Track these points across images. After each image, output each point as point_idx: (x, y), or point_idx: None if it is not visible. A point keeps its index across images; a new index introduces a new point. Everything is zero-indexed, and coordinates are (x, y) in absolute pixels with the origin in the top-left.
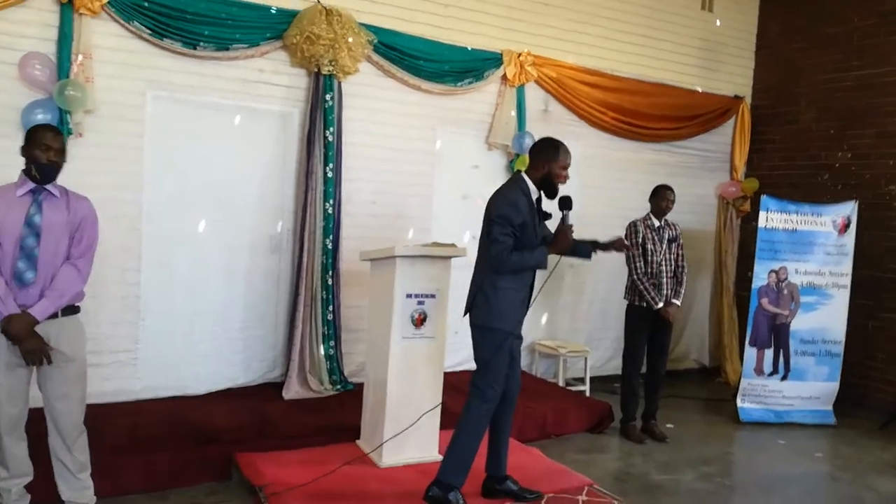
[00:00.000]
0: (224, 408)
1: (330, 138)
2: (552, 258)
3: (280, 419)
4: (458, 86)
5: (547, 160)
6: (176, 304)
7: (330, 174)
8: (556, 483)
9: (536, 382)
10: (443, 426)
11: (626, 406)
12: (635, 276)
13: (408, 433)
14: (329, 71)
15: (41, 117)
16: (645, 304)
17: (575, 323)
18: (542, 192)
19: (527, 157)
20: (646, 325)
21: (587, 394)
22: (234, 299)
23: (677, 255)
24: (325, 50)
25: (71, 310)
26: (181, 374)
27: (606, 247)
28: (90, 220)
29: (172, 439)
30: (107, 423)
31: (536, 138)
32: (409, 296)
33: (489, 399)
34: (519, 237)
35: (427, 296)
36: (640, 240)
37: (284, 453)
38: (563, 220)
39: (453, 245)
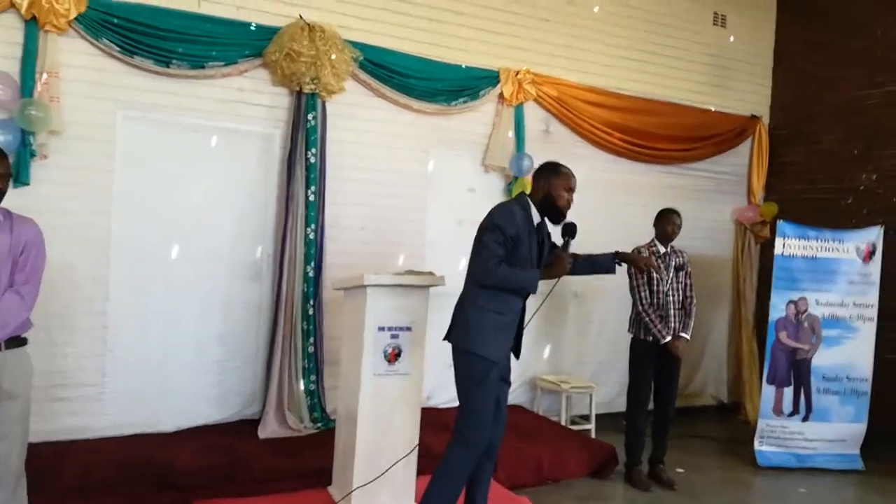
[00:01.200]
0: (191, 447)
1: (312, 160)
2: (548, 283)
3: (250, 461)
4: (451, 105)
5: (547, 181)
6: (147, 334)
7: (312, 198)
8: None
9: (536, 420)
10: (423, 471)
11: (631, 449)
12: (640, 308)
13: (381, 480)
14: (311, 90)
15: (2, 139)
16: (651, 338)
17: (581, 356)
18: (545, 220)
19: (526, 180)
20: (652, 361)
21: (592, 433)
22: (209, 330)
23: (685, 284)
24: (307, 67)
25: (16, 342)
26: (152, 410)
27: (627, 258)
28: (35, 243)
29: (127, 482)
30: (59, 463)
31: (536, 160)
32: (381, 329)
33: (471, 445)
34: (510, 252)
35: (402, 328)
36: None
37: (247, 500)
38: (564, 245)
39: (430, 273)
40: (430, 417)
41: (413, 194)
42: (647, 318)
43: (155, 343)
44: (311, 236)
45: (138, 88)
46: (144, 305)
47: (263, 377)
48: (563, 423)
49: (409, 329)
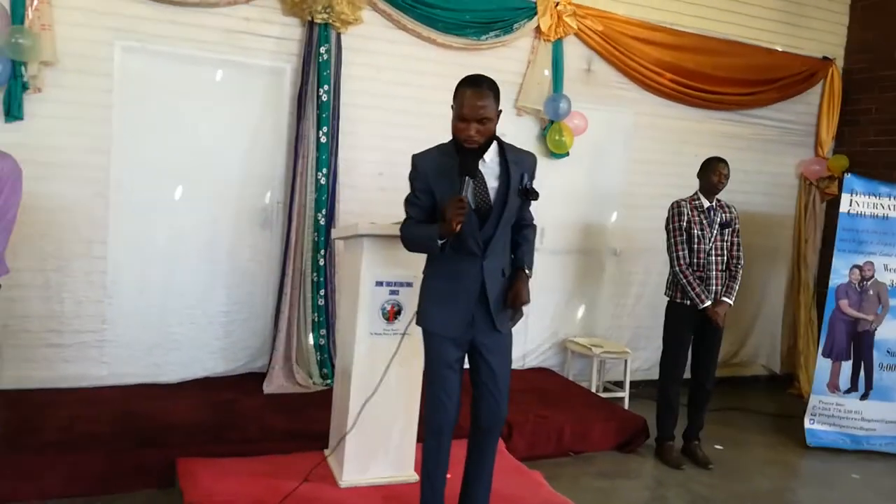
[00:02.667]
0: (189, 401)
1: (325, 98)
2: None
3: (247, 418)
4: (481, 39)
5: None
6: (149, 281)
7: (323, 139)
8: None
9: (563, 386)
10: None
11: (663, 422)
12: (677, 268)
13: (377, 447)
14: (324, 19)
15: None
16: (689, 303)
17: (618, 319)
18: (506, 165)
19: (563, 124)
20: (689, 328)
21: (625, 403)
22: (215, 279)
23: (731, 243)
24: None
25: None
26: (154, 361)
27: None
28: (8, 180)
29: (111, 438)
30: (46, 413)
31: (575, 102)
32: (379, 283)
33: (429, 422)
34: (433, 209)
35: (402, 284)
36: (685, 224)
37: (235, 461)
38: (461, 187)
39: None
40: None
41: (437, 139)
42: (684, 280)
43: (156, 290)
44: (322, 181)
45: (138, 17)
46: (145, 250)
47: (272, 329)
48: (593, 389)
49: (410, 285)
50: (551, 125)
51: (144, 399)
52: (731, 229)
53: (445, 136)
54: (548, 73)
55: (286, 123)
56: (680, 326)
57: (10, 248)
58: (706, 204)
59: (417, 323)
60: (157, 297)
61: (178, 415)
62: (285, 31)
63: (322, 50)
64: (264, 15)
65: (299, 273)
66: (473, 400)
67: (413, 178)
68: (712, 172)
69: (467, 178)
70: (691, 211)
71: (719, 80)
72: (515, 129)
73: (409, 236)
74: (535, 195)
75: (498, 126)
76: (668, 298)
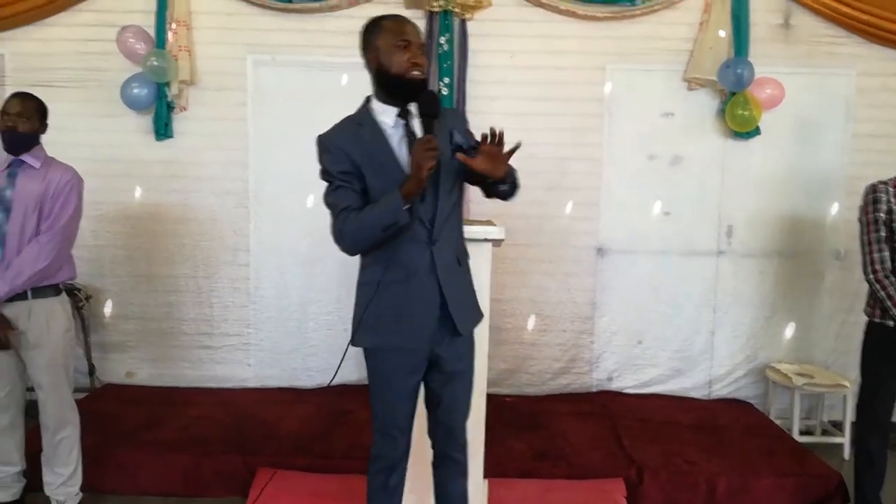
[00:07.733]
0: (309, 408)
1: (445, 91)
2: None
3: (346, 432)
4: (636, 4)
5: (371, 48)
6: (288, 288)
7: None
8: None
9: (750, 425)
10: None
11: (861, 481)
12: (871, 276)
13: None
14: (442, 7)
15: (137, 91)
16: (892, 323)
17: (845, 341)
18: (412, 108)
19: (749, 95)
20: (894, 357)
21: (845, 451)
22: (351, 284)
23: None
24: None
25: (43, 291)
26: (293, 365)
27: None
28: (63, 192)
29: (216, 441)
30: (177, 412)
31: (761, 67)
32: None
33: (374, 457)
34: (364, 191)
35: None
36: (884, 215)
37: (309, 476)
38: (426, 129)
39: (489, 222)
40: (602, 403)
41: (584, 125)
42: (882, 293)
43: (295, 296)
44: None
45: (266, 29)
46: (284, 258)
47: None
48: (795, 431)
49: None
50: (731, 97)
51: (272, 404)
52: None
53: (593, 121)
54: (723, 34)
55: None
56: (881, 355)
57: (168, 257)
58: None
59: (353, 342)
60: (297, 302)
61: (287, 422)
62: None
63: (442, 40)
64: (387, 10)
65: None
66: (429, 421)
67: (325, 160)
68: None
69: (433, 120)
70: (893, 197)
71: None
72: (686, 105)
73: (357, 226)
74: (469, 149)
75: (660, 104)
76: (867, 317)
